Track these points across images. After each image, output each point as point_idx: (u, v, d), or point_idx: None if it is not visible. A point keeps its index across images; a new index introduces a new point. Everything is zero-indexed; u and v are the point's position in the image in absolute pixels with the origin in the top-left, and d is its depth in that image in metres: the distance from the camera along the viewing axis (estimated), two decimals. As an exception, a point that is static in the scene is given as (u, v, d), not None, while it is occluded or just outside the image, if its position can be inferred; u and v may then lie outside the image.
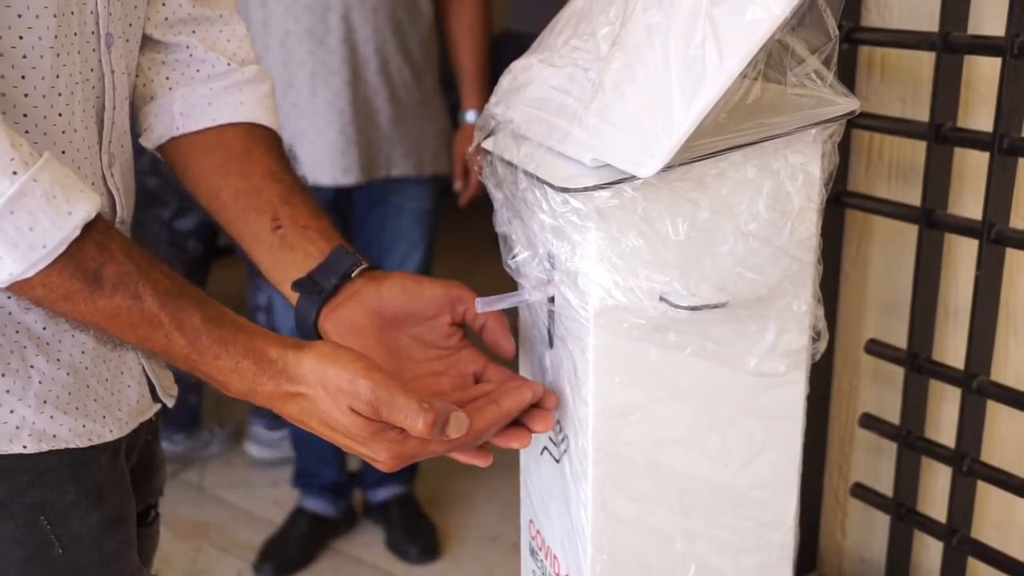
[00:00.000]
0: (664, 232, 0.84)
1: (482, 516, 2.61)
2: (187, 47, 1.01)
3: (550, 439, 0.98)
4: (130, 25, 0.93)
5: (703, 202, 0.84)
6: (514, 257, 0.95)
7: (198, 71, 1.01)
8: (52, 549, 0.87)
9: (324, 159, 2.20)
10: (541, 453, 1.00)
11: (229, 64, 1.02)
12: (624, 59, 0.84)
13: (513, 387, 0.89)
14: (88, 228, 0.75)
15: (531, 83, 0.97)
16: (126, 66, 0.93)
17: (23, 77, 0.80)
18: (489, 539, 2.50)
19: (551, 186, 0.84)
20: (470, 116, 2.36)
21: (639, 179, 0.80)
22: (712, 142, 0.82)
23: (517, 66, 1.02)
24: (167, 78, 1.01)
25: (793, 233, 0.88)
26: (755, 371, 0.91)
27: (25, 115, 0.81)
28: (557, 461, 0.97)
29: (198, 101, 1.00)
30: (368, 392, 0.79)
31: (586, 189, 0.81)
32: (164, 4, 1.00)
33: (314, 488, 2.49)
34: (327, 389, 0.80)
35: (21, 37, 0.79)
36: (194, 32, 1.01)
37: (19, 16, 0.78)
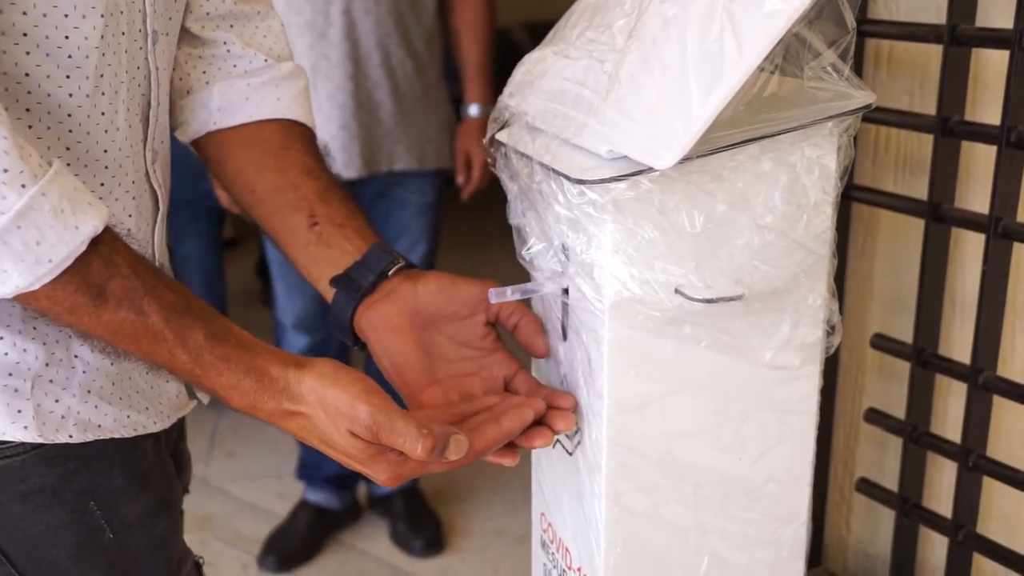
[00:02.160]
0: (680, 224, 0.84)
1: (487, 510, 2.61)
2: (224, 43, 1.01)
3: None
4: (170, 19, 0.93)
5: (720, 194, 0.84)
6: (528, 249, 0.95)
7: (235, 67, 1.02)
8: (103, 534, 0.88)
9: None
10: (553, 446, 1.00)
11: (266, 60, 1.02)
12: (640, 51, 0.84)
13: (515, 404, 0.89)
14: (95, 242, 0.75)
15: (546, 75, 0.96)
16: (168, 62, 0.93)
17: (68, 77, 0.80)
18: (494, 533, 2.51)
19: (567, 178, 0.84)
20: (473, 110, 2.36)
21: (656, 171, 0.80)
22: (729, 135, 0.82)
23: (531, 58, 1.01)
24: (204, 72, 1.01)
25: (809, 226, 0.88)
26: (770, 364, 0.91)
27: (69, 115, 0.81)
28: (570, 454, 0.97)
29: (235, 96, 1.00)
30: (367, 417, 0.79)
31: (603, 181, 0.81)
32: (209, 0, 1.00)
33: (318, 481, 2.50)
34: (327, 411, 0.80)
35: (67, 37, 0.79)
36: (232, 27, 1.02)
37: (65, 16, 0.79)
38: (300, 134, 1.02)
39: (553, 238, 0.91)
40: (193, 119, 1.02)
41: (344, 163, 2.21)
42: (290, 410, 0.81)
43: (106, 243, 0.76)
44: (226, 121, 1.01)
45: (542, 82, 0.95)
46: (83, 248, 0.74)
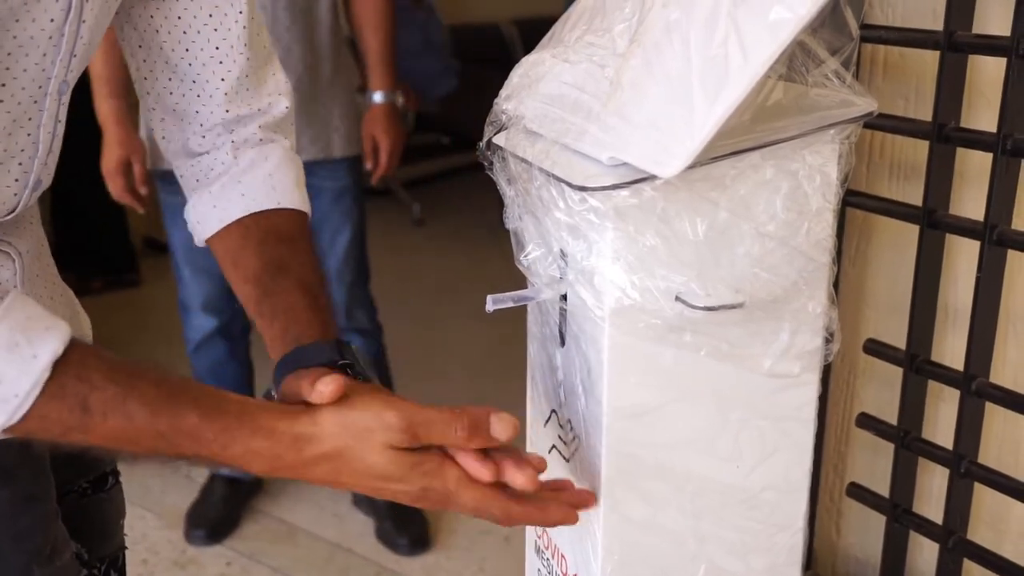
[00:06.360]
0: (682, 232, 0.83)
1: (472, 509, 2.60)
2: (207, 152, 1.03)
3: (559, 438, 0.97)
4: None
5: (722, 202, 0.84)
6: (526, 255, 0.94)
7: (212, 169, 1.03)
8: None
9: None
10: (549, 452, 1.00)
11: (235, 156, 1.02)
12: (642, 56, 0.83)
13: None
14: (62, 363, 0.74)
15: (544, 78, 0.95)
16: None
17: None
18: (480, 531, 2.50)
19: (569, 184, 0.84)
20: (377, 97, 2.42)
21: (659, 179, 0.79)
22: (732, 142, 0.81)
23: (528, 61, 1.00)
24: (197, 181, 1.04)
25: (809, 234, 0.87)
26: (769, 372, 0.90)
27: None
28: (567, 460, 0.96)
29: (205, 208, 1.02)
30: (398, 420, 0.78)
31: (606, 188, 0.80)
32: (198, 112, 1.01)
33: None
34: (354, 435, 0.79)
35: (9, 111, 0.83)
36: (232, 131, 1.02)
37: (12, 95, 0.82)
38: (258, 227, 1.01)
39: (552, 244, 0.90)
40: (193, 229, 1.05)
41: None
42: (314, 454, 0.79)
43: (74, 361, 0.75)
44: (206, 233, 1.02)
45: (540, 86, 0.95)
46: (47, 374, 0.73)
